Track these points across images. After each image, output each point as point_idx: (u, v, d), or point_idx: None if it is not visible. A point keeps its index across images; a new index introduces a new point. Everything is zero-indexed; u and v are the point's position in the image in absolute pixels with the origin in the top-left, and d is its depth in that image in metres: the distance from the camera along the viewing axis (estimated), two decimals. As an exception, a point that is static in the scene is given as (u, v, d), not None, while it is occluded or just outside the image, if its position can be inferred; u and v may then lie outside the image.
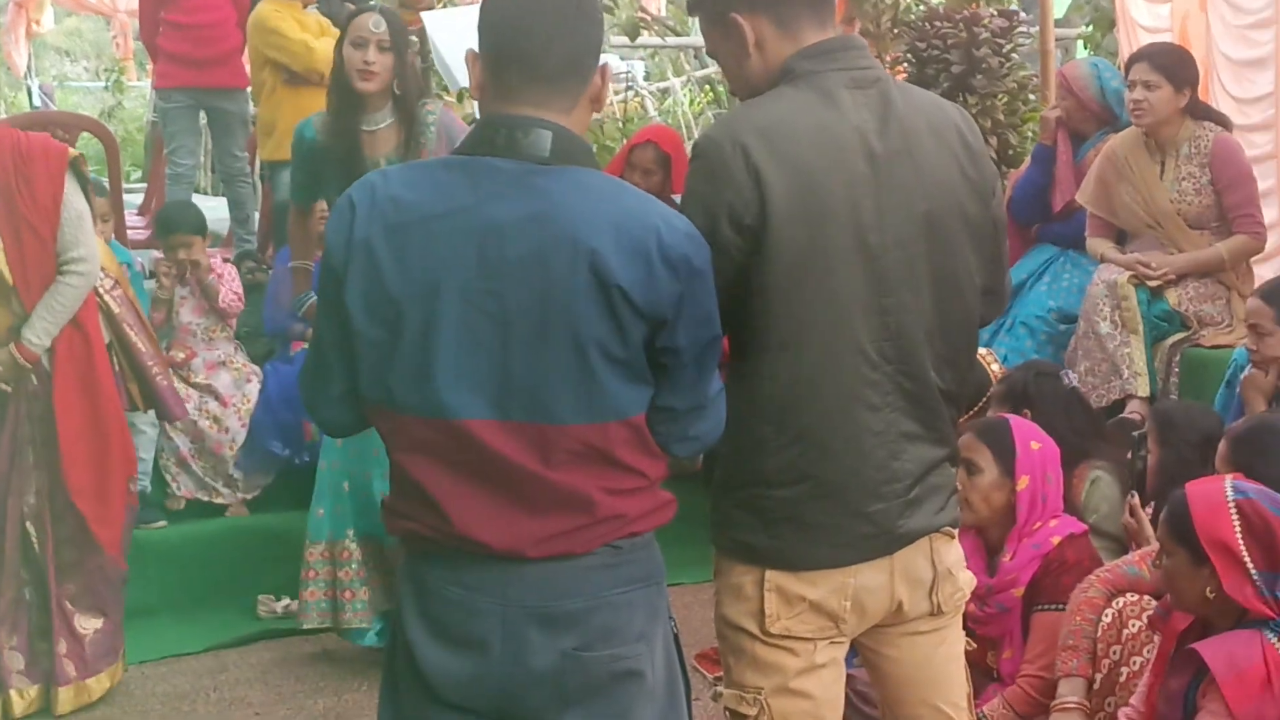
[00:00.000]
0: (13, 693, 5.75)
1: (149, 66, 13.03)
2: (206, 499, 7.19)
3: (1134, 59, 6.84)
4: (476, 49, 2.94)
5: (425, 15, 4.33)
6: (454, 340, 2.78)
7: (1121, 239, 6.91)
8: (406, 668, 2.92)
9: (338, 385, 2.92)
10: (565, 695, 2.87)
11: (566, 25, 2.89)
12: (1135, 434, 5.39)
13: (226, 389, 7.21)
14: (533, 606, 2.84)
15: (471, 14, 4.41)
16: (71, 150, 5.70)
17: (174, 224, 7.36)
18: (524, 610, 2.84)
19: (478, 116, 3.09)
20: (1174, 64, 6.66)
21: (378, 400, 2.86)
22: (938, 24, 8.33)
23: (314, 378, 2.98)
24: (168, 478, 7.15)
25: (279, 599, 6.68)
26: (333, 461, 6.05)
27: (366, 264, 2.80)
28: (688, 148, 11.76)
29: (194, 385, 7.16)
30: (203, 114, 9.42)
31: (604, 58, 3.01)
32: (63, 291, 5.65)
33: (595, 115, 3.09)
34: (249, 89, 9.18)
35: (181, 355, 7.18)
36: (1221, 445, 4.65)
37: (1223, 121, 6.82)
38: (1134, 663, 4.49)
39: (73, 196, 5.64)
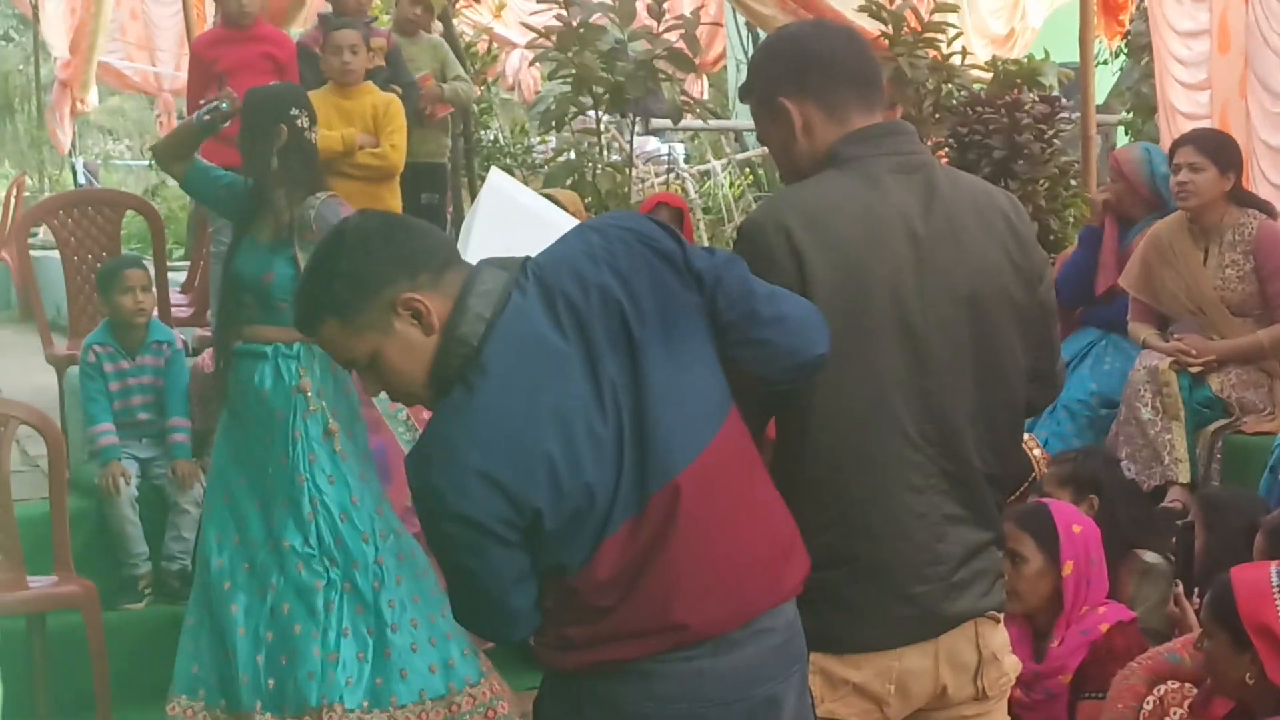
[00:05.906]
0: None
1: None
2: None
3: (1179, 143, 6.82)
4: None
5: (494, 173, 4.17)
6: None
7: (1163, 324, 6.88)
8: None
9: (532, 583, 2.79)
10: None
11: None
12: (1180, 522, 5.35)
13: None
14: (731, 703, 2.83)
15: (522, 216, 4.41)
16: None
17: None
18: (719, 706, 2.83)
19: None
20: (1219, 147, 6.64)
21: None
22: (980, 109, 8.39)
23: (516, 595, 2.78)
24: None
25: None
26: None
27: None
28: (729, 230, 11.87)
29: None
30: (246, 193, 9.45)
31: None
32: None
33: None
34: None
35: None
36: (1258, 537, 4.58)
37: (1267, 209, 6.77)
38: (1176, 750, 4.46)
39: None
